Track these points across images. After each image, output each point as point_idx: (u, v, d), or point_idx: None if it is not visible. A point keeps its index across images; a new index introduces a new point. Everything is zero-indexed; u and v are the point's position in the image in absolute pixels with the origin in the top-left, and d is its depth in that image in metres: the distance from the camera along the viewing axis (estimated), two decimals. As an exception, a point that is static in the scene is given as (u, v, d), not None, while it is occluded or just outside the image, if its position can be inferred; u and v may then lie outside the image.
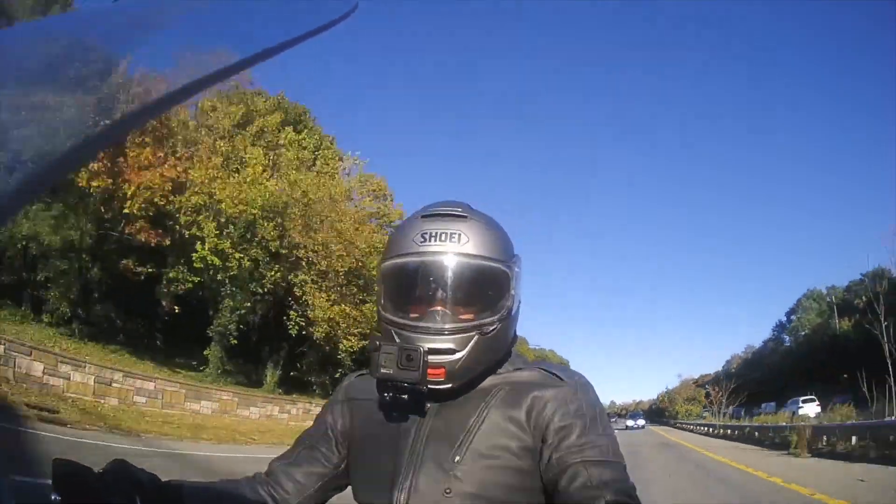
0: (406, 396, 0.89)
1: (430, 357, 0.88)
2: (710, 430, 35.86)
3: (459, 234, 0.92)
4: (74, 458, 0.80)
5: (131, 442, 10.80)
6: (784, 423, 23.81)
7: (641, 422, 54.30)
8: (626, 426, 50.15)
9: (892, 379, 18.90)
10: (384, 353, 0.88)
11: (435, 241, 0.92)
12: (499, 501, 0.86)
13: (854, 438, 15.46)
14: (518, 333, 1.06)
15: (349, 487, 1.04)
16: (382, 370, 0.88)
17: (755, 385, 48.68)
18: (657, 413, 75.59)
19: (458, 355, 0.89)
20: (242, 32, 0.45)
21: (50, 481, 0.76)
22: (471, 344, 0.90)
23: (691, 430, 40.98)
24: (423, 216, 0.96)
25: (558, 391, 0.92)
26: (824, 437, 17.28)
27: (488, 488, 0.86)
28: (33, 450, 7.28)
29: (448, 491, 0.86)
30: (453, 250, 0.91)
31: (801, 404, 31.44)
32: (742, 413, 41.40)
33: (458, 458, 0.88)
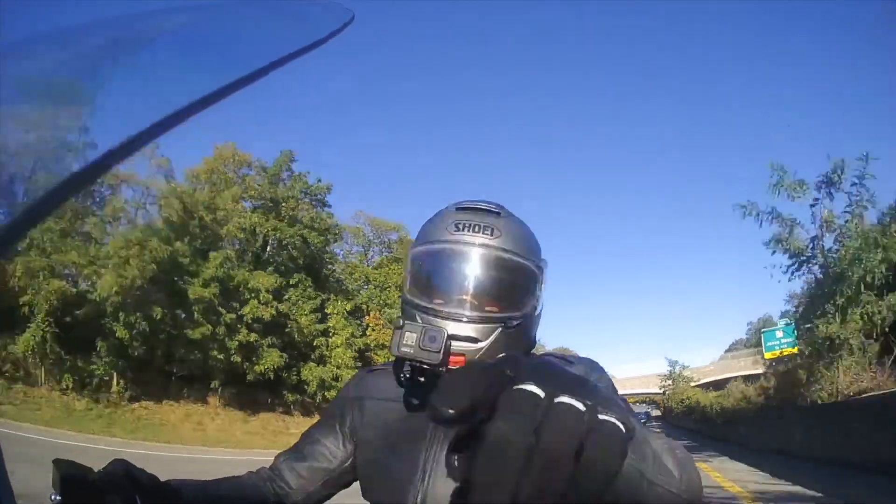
0: (423, 379, 0.87)
1: (451, 343, 0.86)
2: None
3: (493, 228, 0.92)
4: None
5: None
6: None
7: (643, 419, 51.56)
8: None
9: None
10: (407, 332, 0.86)
11: (468, 231, 0.92)
12: None
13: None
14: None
15: (353, 485, 1.02)
16: (403, 348, 0.85)
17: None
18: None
19: (479, 345, 0.88)
20: (231, 51, 0.44)
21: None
22: (493, 335, 0.89)
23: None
24: (457, 208, 0.97)
25: (574, 367, 0.91)
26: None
27: None
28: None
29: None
30: (486, 242, 0.91)
31: None
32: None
33: None
